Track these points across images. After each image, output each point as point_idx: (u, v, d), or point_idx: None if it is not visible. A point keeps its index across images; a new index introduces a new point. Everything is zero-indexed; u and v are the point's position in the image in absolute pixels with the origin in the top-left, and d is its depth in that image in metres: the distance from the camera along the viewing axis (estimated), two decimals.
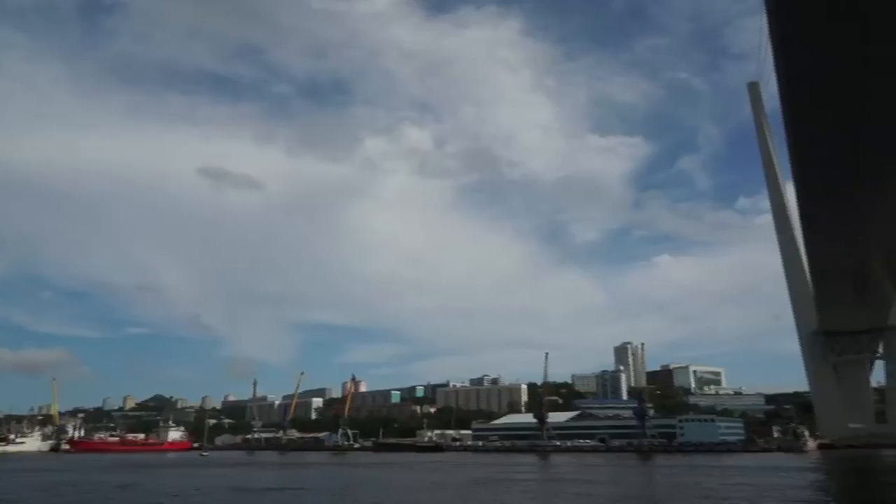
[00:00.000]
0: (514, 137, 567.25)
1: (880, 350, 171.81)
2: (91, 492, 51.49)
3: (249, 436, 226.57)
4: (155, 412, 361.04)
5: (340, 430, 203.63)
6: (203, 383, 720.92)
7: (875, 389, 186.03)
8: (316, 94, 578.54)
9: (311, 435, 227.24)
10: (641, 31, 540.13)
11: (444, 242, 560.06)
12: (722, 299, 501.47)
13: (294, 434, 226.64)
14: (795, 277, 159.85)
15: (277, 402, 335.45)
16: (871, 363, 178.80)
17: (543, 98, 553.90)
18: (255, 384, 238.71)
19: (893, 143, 68.39)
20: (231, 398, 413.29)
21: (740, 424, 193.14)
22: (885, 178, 76.57)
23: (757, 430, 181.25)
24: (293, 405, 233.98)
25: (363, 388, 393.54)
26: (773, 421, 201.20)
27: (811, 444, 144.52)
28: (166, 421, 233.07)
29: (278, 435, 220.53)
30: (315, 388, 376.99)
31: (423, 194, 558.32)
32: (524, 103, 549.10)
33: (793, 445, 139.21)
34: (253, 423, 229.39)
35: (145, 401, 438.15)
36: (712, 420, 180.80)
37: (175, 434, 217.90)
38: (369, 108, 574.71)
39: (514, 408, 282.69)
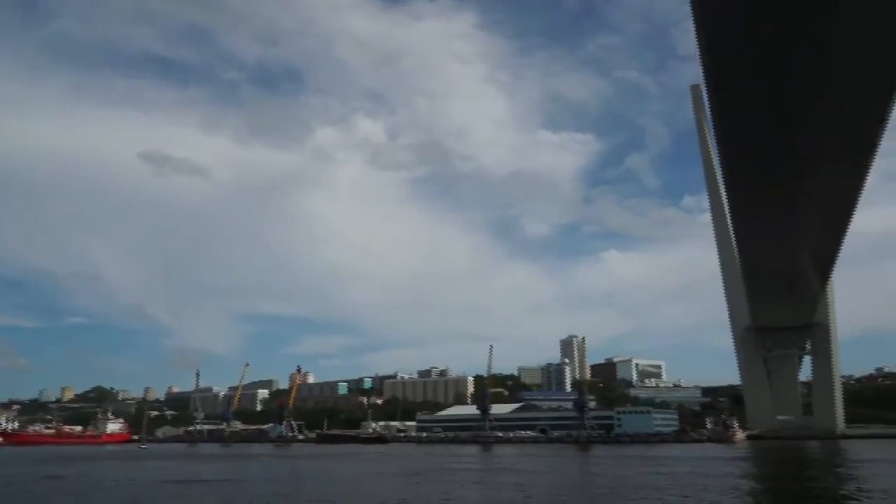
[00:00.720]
0: (468, 131, 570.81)
1: (808, 346, 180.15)
2: (17, 484, 50.58)
3: (192, 428, 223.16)
4: (94, 404, 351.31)
5: (285, 422, 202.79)
6: (146, 375, 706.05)
7: (803, 383, 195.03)
8: (266, 81, 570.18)
9: (256, 426, 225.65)
10: (595, 30, 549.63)
11: (397, 235, 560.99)
12: (667, 294, 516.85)
13: (237, 426, 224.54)
14: (731, 275, 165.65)
15: (222, 394, 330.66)
16: (800, 358, 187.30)
17: (497, 92, 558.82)
18: (197, 375, 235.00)
19: (817, 150, 72.38)
20: (175, 390, 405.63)
21: (675, 416, 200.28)
22: (810, 182, 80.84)
23: (691, 421, 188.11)
24: (237, 397, 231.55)
25: (311, 380, 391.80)
26: (708, 413, 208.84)
27: (740, 434, 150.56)
28: (105, 413, 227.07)
29: (221, 427, 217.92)
30: (263, 379, 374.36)
31: (375, 186, 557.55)
32: (478, 97, 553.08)
33: (722, 436, 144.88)
34: (195, 414, 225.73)
35: (85, 392, 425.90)
36: (648, 412, 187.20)
37: (114, 426, 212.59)
38: (321, 97, 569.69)
39: (460, 399, 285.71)
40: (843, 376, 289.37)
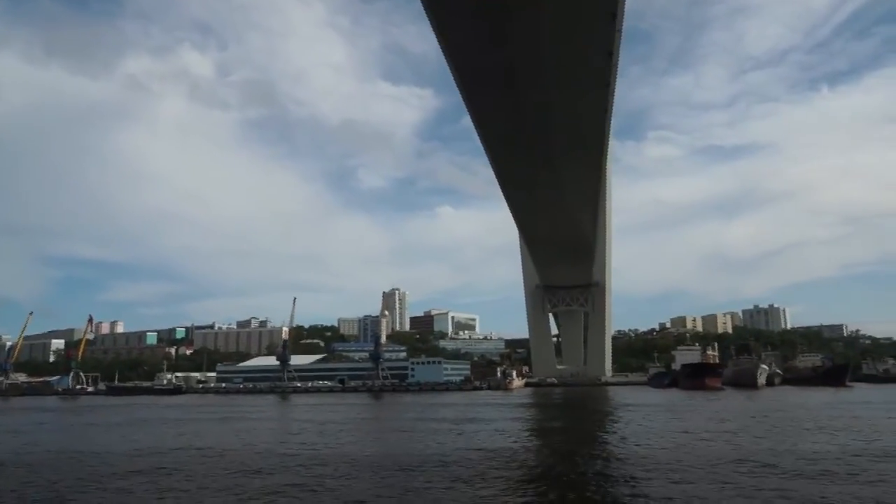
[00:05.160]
0: (305, 75, 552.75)
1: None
2: None
3: None
4: None
5: (72, 373, 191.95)
6: None
7: None
8: None
9: (42, 379, 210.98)
10: None
11: (225, 178, 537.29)
12: (492, 251, 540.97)
13: (20, 378, 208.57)
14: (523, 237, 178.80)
15: (9, 344, 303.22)
16: (587, 314, 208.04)
17: (336, 37, 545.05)
18: None
19: (558, 139, 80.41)
20: None
21: (466, 366, 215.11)
22: (559, 162, 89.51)
23: (484, 370, 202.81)
24: (18, 346, 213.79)
25: (120, 329, 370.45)
26: (504, 363, 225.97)
27: (517, 382, 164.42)
28: None
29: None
30: (64, 328, 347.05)
31: (202, 125, 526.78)
32: (316, 40, 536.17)
33: (500, 384, 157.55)
34: None
35: None
36: (439, 362, 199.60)
37: None
38: (141, 23, 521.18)
39: (273, 351, 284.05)
40: (630, 331, 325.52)
